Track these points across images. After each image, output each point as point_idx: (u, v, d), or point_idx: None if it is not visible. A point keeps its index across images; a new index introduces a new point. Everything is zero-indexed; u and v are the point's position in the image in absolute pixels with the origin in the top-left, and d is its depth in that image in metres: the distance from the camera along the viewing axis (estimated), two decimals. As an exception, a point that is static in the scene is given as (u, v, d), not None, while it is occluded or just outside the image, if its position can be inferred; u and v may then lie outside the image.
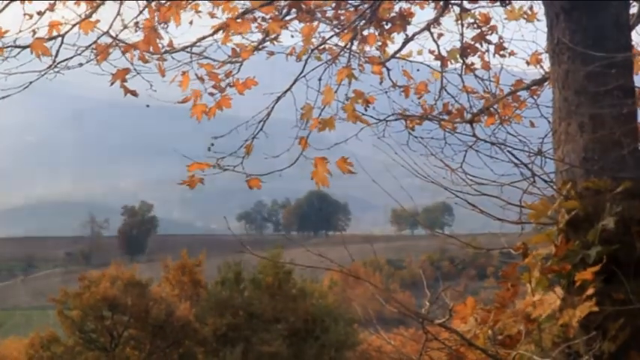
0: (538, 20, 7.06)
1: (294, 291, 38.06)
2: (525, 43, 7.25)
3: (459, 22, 7.08)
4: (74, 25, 6.30)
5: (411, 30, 7.20)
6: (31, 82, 6.48)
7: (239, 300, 37.26)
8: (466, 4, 7.05)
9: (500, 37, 7.36)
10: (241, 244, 6.31)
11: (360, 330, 37.47)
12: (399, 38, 7.26)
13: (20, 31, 6.28)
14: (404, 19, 7.13)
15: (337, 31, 6.86)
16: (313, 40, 6.84)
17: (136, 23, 6.41)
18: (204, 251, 41.67)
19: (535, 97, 7.08)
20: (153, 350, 35.54)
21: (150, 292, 36.69)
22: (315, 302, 37.95)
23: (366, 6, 6.82)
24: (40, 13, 6.43)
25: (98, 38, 6.36)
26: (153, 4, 6.32)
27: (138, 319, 35.35)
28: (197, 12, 6.97)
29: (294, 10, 6.84)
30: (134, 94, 6.41)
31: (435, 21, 7.17)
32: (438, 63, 7.40)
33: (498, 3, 7.04)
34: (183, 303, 36.99)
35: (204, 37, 6.74)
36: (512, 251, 4.48)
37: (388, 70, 7.35)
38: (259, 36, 6.97)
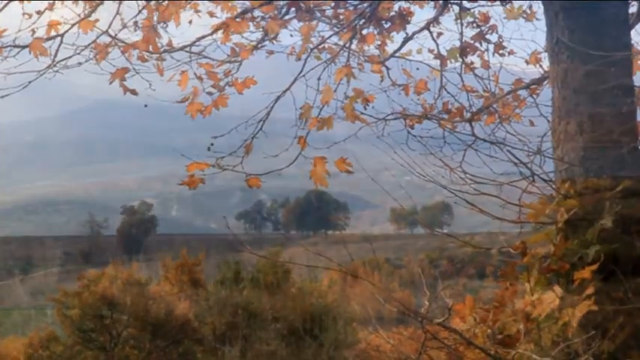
0: (537, 19, 7.07)
1: (293, 290, 38.00)
2: (525, 42, 7.25)
3: (459, 21, 7.08)
4: (73, 25, 6.30)
5: (410, 29, 7.20)
6: (30, 82, 6.48)
7: (238, 299, 37.21)
8: (465, 4, 7.05)
9: (500, 36, 7.37)
10: (241, 243, 6.32)
11: (359, 329, 37.41)
12: (398, 37, 7.26)
13: (19, 31, 6.28)
14: (403, 18, 7.12)
15: (337, 30, 6.86)
16: (312, 39, 6.84)
17: (135, 23, 6.41)
18: (204, 250, 41.59)
19: (534, 96, 7.08)
20: (152, 349, 35.47)
21: (149, 292, 36.59)
22: (314, 301, 37.87)
23: (365, 5, 6.82)
24: (40, 13, 6.43)
25: (97, 38, 6.37)
26: (152, 3, 6.32)
27: (137, 318, 35.28)
28: (196, 11, 6.97)
29: (293, 9, 6.83)
30: (133, 92, 6.41)
31: (435, 20, 7.16)
32: (438, 62, 7.40)
33: (498, 2, 7.05)
34: (182, 302, 36.90)
35: (203, 37, 6.73)
36: (512, 250, 4.47)
37: (387, 69, 7.35)
38: (258, 35, 6.97)
